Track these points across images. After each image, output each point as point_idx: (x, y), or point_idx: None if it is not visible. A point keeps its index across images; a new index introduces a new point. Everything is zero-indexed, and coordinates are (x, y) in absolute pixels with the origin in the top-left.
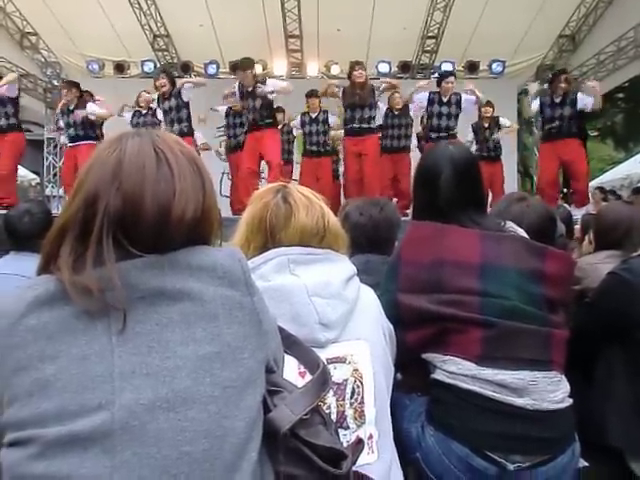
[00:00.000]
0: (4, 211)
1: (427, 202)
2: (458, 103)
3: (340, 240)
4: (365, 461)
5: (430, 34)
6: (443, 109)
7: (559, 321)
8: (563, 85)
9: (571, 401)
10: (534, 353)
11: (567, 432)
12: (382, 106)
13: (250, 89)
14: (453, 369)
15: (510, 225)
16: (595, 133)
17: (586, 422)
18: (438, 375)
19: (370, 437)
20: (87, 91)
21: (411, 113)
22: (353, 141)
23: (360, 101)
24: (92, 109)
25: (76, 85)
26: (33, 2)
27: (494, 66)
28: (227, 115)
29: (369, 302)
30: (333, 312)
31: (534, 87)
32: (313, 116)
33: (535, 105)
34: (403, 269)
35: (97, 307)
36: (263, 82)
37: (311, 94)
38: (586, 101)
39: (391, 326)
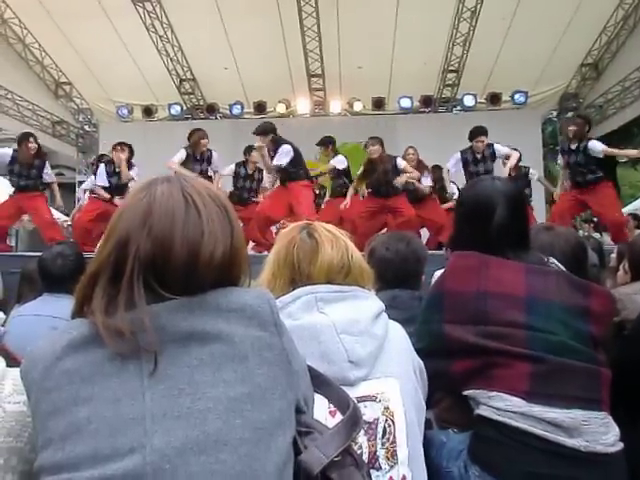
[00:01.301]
0: None
1: (475, 236)
2: (492, 156)
3: (365, 275)
4: None
5: (451, 68)
6: (480, 168)
7: (603, 359)
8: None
9: (622, 445)
10: (585, 391)
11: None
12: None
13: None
14: (500, 405)
15: (553, 261)
16: (625, 159)
17: (635, 467)
18: (484, 411)
19: (403, 478)
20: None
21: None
22: (376, 200)
23: (382, 176)
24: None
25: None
26: (67, 54)
27: (516, 97)
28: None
29: (398, 338)
30: (362, 349)
31: None
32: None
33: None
34: (447, 299)
35: (129, 349)
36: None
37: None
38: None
39: (421, 362)
